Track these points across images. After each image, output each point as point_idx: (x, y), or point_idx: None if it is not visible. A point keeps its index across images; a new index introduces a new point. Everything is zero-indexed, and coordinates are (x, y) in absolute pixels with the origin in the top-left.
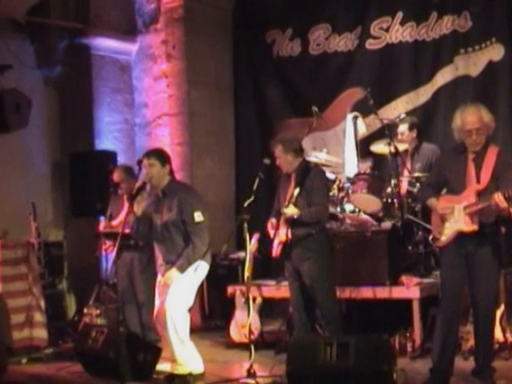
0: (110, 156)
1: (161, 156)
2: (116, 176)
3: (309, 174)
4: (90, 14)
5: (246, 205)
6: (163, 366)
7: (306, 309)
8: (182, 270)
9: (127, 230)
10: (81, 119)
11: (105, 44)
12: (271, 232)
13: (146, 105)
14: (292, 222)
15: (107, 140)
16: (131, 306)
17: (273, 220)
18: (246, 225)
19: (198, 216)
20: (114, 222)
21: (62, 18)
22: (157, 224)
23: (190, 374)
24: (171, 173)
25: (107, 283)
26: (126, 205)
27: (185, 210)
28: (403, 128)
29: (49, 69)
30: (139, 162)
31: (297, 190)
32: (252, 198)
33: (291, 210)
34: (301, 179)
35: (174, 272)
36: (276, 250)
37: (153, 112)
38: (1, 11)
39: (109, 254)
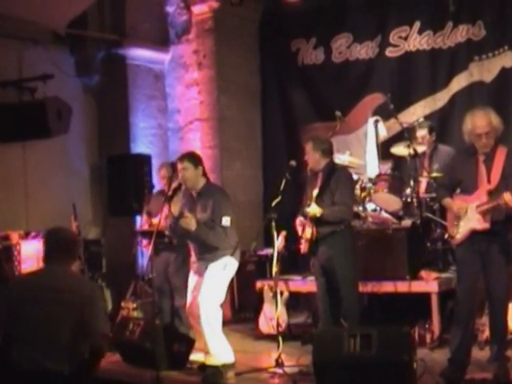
0: (145, 159)
1: (193, 159)
2: (164, 171)
3: (334, 174)
4: (125, 26)
5: (273, 204)
6: (196, 356)
7: (331, 303)
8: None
9: (164, 230)
10: (117, 125)
11: (139, 54)
12: (299, 229)
13: (178, 111)
14: (316, 221)
15: (142, 144)
16: (167, 300)
17: (300, 218)
18: (273, 223)
19: (226, 221)
20: (155, 220)
21: (99, 30)
22: None
23: (222, 364)
24: (205, 174)
25: (143, 278)
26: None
27: (216, 211)
28: (423, 132)
29: (87, 78)
30: (173, 165)
31: (316, 191)
32: (279, 198)
33: (313, 209)
34: (326, 179)
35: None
36: (303, 247)
37: (185, 117)
38: (43, 24)
39: (146, 251)
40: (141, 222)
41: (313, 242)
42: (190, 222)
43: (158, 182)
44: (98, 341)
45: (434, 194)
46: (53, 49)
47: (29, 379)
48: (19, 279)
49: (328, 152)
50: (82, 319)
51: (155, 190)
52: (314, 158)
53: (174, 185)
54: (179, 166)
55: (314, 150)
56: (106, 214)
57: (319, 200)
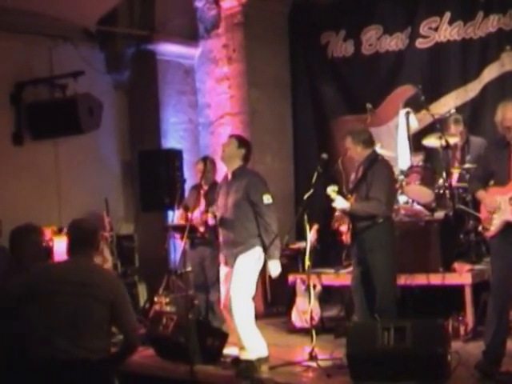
0: (176, 154)
1: (240, 139)
2: (200, 166)
3: (373, 167)
4: (155, 22)
5: (305, 198)
6: (230, 350)
7: (366, 295)
8: (276, 256)
9: (198, 224)
10: (148, 120)
11: (169, 49)
12: (338, 222)
13: (208, 105)
14: (350, 214)
15: (173, 139)
16: (202, 294)
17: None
18: (305, 216)
19: (268, 199)
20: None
21: (129, 26)
22: (225, 205)
23: (256, 358)
24: (245, 160)
25: (176, 273)
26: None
27: (253, 192)
28: (460, 128)
29: (118, 74)
30: (204, 159)
31: (331, 188)
32: (311, 191)
33: (339, 204)
34: (365, 171)
35: (275, 263)
36: (347, 237)
37: (215, 112)
38: (74, 22)
39: (178, 245)
40: (177, 215)
41: (351, 233)
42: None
43: (195, 176)
44: (132, 335)
45: (466, 186)
46: (83, 46)
47: (50, 368)
48: (42, 270)
49: (368, 142)
50: (111, 313)
51: (192, 185)
52: (356, 152)
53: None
54: (226, 141)
55: (354, 144)
56: (138, 210)
57: (355, 193)
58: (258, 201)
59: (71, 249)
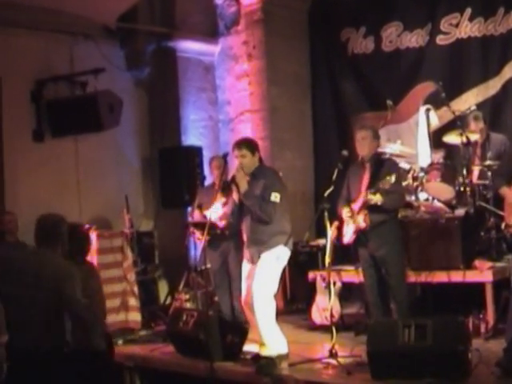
0: (196, 151)
1: (251, 145)
2: (218, 163)
3: (383, 163)
4: (175, 19)
5: (326, 194)
6: (250, 347)
7: (381, 293)
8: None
9: (220, 220)
10: (168, 117)
11: (189, 46)
12: (347, 219)
13: (228, 102)
14: (369, 209)
15: (193, 136)
16: (223, 290)
17: (346, 208)
18: (326, 213)
19: (275, 197)
20: (207, 212)
21: (149, 23)
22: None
23: (276, 355)
24: (260, 159)
25: (196, 270)
26: (218, 195)
27: (266, 187)
28: (481, 125)
29: (138, 71)
30: (225, 156)
31: (393, 178)
32: (331, 188)
33: (377, 197)
34: (376, 168)
35: None
36: (351, 237)
37: (235, 109)
38: (94, 19)
39: (198, 242)
40: (191, 214)
41: (363, 231)
42: (243, 179)
43: (210, 173)
44: (77, 308)
45: (487, 182)
46: (103, 43)
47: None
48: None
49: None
50: (58, 299)
51: (206, 183)
52: (372, 146)
53: (233, 173)
54: (237, 152)
55: (373, 138)
56: (158, 206)
57: (372, 188)
58: (267, 196)
59: (35, 241)
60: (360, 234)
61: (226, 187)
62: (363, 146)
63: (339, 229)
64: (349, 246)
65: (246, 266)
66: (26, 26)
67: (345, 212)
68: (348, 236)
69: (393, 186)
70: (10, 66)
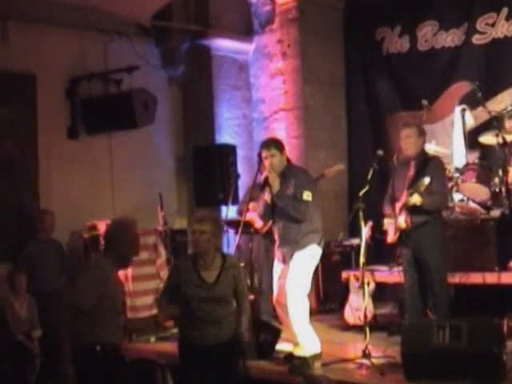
0: (230, 149)
1: (279, 145)
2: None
3: (429, 162)
4: (209, 17)
5: (361, 194)
6: (283, 346)
7: (420, 294)
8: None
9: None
10: (202, 115)
11: (224, 45)
12: (388, 219)
13: (263, 101)
14: (411, 210)
15: (227, 134)
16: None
17: (388, 207)
18: (361, 213)
19: (307, 195)
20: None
21: (184, 21)
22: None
23: (309, 355)
24: (288, 159)
25: None
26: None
27: (298, 186)
28: None
29: (172, 69)
30: (259, 155)
31: (427, 180)
32: (366, 188)
33: (416, 198)
34: (421, 167)
35: None
36: (393, 237)
37: (269, 107)
38: (129, 17)
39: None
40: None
41: (405, 231)
42: (276, 180)
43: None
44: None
45: None
46: (138, 41)
47: None
48: None
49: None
50: None
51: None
52: (417, 144)
53: (265, 174)
54: (266, 153)
55: (419, 135)
56: (192, 204)
57: (424, 188)
58: (299, 195)
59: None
60: (402, 233)
61: (262, 188)
62: (408, 144)
63: (374, 229)
64: (385, 246)
65: (278, 266)
66: (60, 24)
67: (387, 211)
68: (391, 235)
69: (435, 187)
70: (45, 64)
